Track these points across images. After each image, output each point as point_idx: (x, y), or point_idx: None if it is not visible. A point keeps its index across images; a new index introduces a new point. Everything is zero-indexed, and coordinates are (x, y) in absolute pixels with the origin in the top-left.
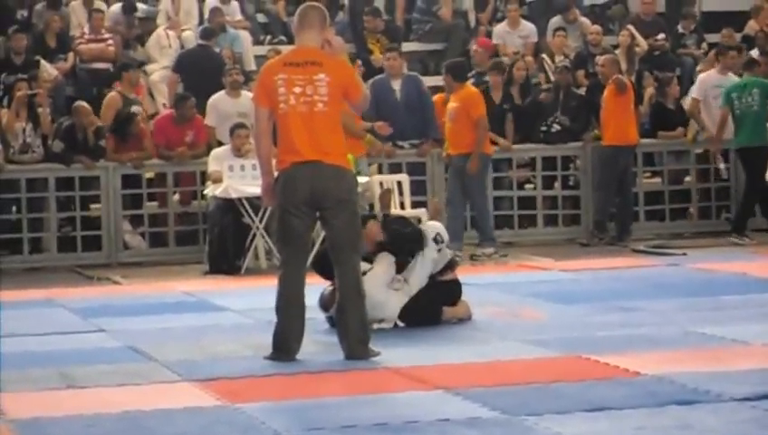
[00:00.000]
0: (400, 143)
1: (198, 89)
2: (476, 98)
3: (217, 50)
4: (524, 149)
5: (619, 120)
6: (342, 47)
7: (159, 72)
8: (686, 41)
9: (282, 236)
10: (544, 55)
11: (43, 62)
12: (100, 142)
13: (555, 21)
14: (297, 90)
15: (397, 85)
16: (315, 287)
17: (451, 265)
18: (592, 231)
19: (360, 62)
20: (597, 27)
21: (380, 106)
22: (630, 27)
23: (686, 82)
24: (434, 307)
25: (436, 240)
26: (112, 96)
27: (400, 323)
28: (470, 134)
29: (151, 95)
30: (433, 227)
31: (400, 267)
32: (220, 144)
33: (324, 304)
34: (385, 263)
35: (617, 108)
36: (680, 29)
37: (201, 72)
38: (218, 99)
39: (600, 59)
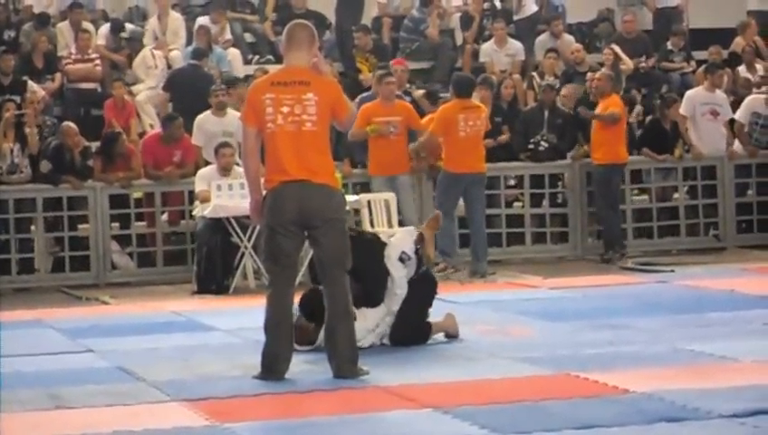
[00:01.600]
0: None
1: (188, 108)
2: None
3: (206, 69)
4: (512, 167)
5: (611, 139)
6: (328, 71)
7: (146, 92)
8: (674, 57)
9: (270, 256)
10: (534, 73)
11: (30, 82)
12: (87, 162)
13: (544, 40)
14: (285, 109)
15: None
16: None
17: (421, 261)
18: (612, 248)
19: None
20: (578, 45)
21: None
22: (615, 47)
23: None
24: (422, 324)
25: (401, 259)
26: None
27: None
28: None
29: (138, 115)
30: (398, 245)
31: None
32: (207, 164)
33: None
34: (368, 317)
35: (608, 127)
36: (669, 46)
37: (191, 92)
38: (204, 118)
39: (597, 73)
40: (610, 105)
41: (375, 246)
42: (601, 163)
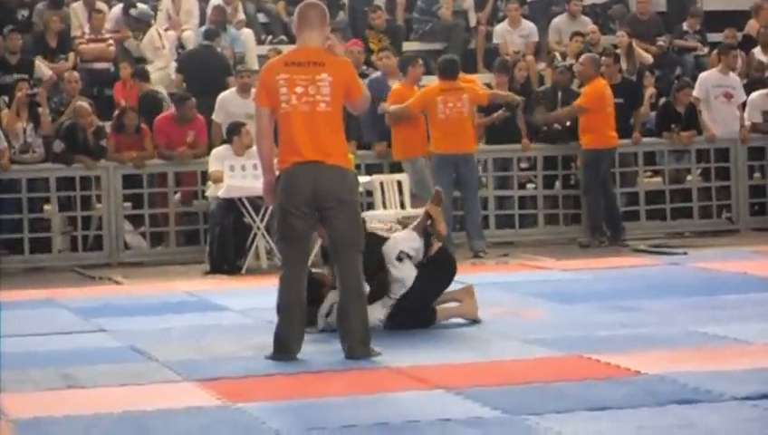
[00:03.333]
0: None
1: (201, 89)
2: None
3: (219, 50)
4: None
5: (598, 123)
6: (343, 52)
7: (155, 73)
8: (688, 39)
9: (282, 237)
10: (557, 53)
11: (38, 61)
12: (100, 142)
13: (561, 20)
14: (299, 90)
15: (393, 85)
16: None
17: (429, 241)
18: (593, 234)
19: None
20: (593, 27)
21: (377, 105)
22: (633, 42)
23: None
24: (423, 311)
25: (399, 258)
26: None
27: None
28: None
29: None
30: (396, 244)
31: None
32: (224, 142)
33: None
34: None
35: (594, 112)
36: (685, 27)
37: (205, 73)
38: (228, 98)
39: (580, 58)
40: (591, 91)
41: (372, 243)
42: (588, 148)
